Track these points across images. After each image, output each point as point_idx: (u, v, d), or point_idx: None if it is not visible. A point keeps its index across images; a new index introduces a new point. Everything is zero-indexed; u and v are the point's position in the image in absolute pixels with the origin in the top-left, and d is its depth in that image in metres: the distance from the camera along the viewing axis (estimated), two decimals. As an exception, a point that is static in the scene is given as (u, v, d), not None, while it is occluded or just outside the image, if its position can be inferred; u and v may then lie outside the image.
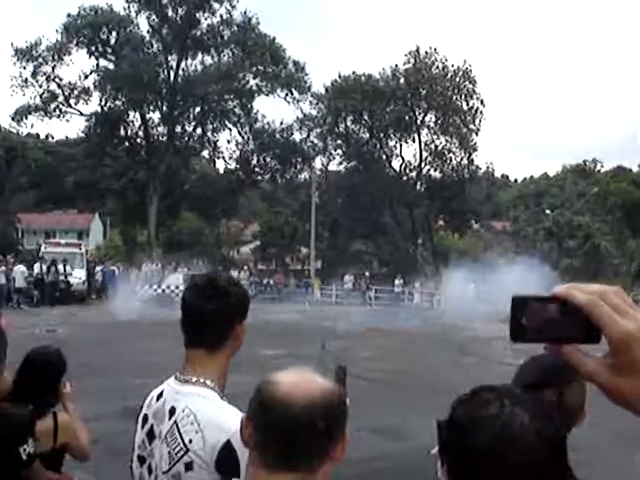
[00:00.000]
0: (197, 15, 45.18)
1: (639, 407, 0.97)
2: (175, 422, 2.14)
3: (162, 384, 2.31)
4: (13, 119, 45.12)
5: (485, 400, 1.18)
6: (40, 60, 43.62)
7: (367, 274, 42.14)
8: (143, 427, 2.26)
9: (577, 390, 2.18)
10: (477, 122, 47.93)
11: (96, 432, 5.20)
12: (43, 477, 2.96)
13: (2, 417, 2.69)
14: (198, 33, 45.59)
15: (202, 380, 2.19)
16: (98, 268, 36.20)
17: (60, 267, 31.91)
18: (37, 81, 44.04)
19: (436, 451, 1.86)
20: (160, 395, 2.25)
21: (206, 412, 2.10)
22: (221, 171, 52.91)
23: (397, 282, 39.88)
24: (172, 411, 2.17)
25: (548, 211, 51.62)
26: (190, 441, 2.08)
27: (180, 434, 2.11)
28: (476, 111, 47.68)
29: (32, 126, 47.20)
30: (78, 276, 33.15)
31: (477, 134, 48.37)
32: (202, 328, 2.23)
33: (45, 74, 44.06)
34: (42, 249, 35.30)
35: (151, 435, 2.22)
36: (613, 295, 0.97)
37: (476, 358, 17.02)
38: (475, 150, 48.83)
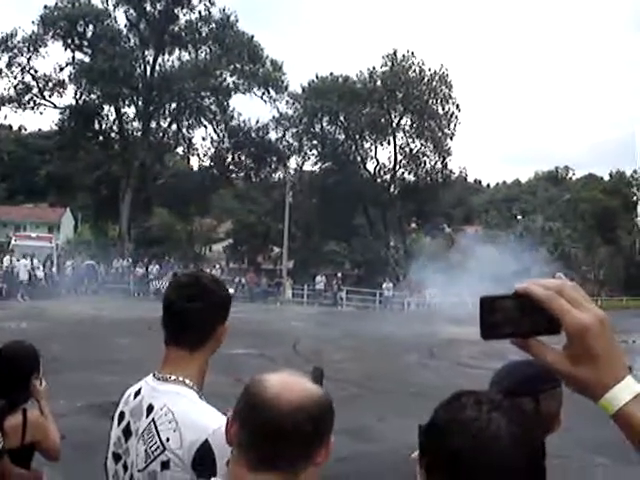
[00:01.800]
0: (175, 11, 44.95)
1: (595, 393, 1.04)
2: (153, 420, 2.13)
3: (140, 381, 2.29)
4: (-15, 109, 44.57)
5: (464, 404, 1.21)
6: (15, 51, 43.11)
7: (339, 275, 42.21)
8: (119, 424, 2.24)
9: (553, 397, 2.21)
10: (452, 127, 48.31)
11: (63, 428, 5.15)
12: (12, 472, 2.93)
13: None
14: (176, 29, 45.35)
15: (181, 379, 2.17)
16: (68, 263, 35.89)
17: (28, 261, 31.61)
18: (12, 72, 43.54)
19: (416, 455, 1.88)
20: (138, 392, 2.24)
21: (184, 411, 2.09)
22: (195, 168, 52.69)
23: (385, 285, 39.79)
24: (150, 409, 2.16)
25: (520, 216, 52.12)
26: (167, 439, 2.07)
27: (157, 432, 2.10)
28: (451, 116, 48.01)
29: (5, 117, 46.99)
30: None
31: (452, 139, 48.81)
32: (184, 327, 2.21)
33: (20, 65, 43.56)
34: (12, 242, 34.99)
35: (127, 432, 2.20)
36: (570, 289, 1.06)
37: (446, 361, 17.13)
38: (449, 154, 49.21)
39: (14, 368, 3.32)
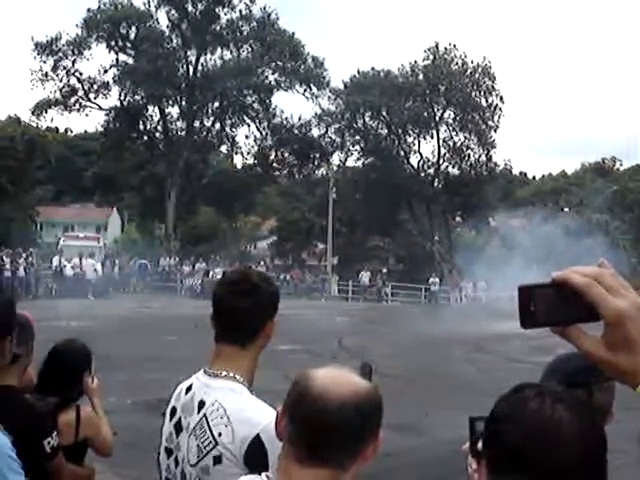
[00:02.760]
0: (217, 10, 45.25)
1: (633, 380, 1.04)
2: (204, 415, 2.16)
3: (190, 377, 2.33)
4: (33, 113, 45.43)
5: (527, 396, 1.21)
6: (60, 54, 43.84)
7: (384, 270, 42.12)
8: (171, 419, 2.28)
9: (606, 390, 2.18)
10: (496, 119, 47.72)
11: (114, 425, 5.24)
12: (66, 470, 2.98)
13: (26, 410, 2.72)
14: (217, 28, 45.64)
15: (232, 374, 2.20)
16: (117, 261, 36.49)
17: (77, 260, 32.21)
18: (57, 75, 44.32)
19: (467, 447, 1.87)
20: (189, 388, 2.27)
21: (236, 406, 2.12)
22: (239, 166, 52.97)
23: (432, 280, 39.60)
24: (201, 404, 2.19)
25: (566, 209, 51.34)
26: (219, 434, 2.10)
27: (209, 427, 2.13)
28: (495, 108, 47.44)
29: (52, 120, 47.61)
30: (96, 269, 33.38)
31: (496, 131, 48.16)
32: (235, 324, 2.24)
33: (65, 68, 44.29)
34: (61, 242, 35.66)
35: (179, 428, 2.24)
36: (608, 277, 1.06)
37: (494, 356, 16.99)
38: (494, 147, 48.62)
39: (67, 366, 3.39)
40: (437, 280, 39.61)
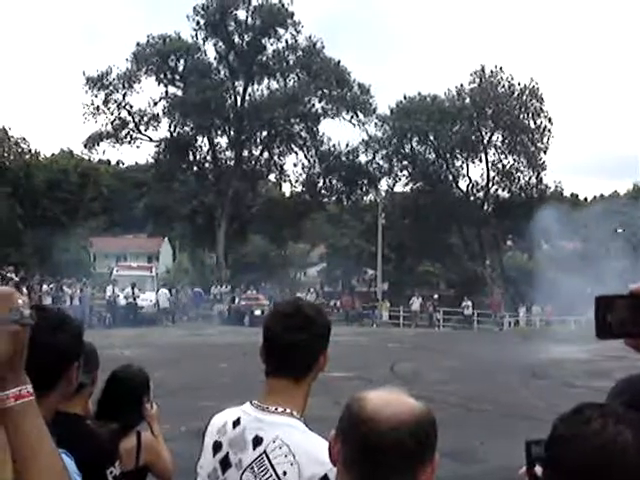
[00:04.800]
0: (263, 41, 45.85)
1: None
2: (265, 453, 2.10)
3: (232, 409, 2.27)
4: (85, 146, 46.40)
5: (588, 417, 1.17)
6: (111, 88, 44.81)
7: (435, 296, 41.76)
8: (215, 454, 2.21)
9: None
10: (545, 140, 47.25)
11: (171, 452, 5.25)
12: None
13: (90, 438, 2.72)
14: (264, 58, 46.22)
15: (288, 410, 2.15)
16: (161, 291, 36.83)
17: (130, 290, 32.68)
18: (108, 109, 45.26)
19: (523, 472, 1.82)
20: (237, 422, 2.20)
21: (301, 444, 2.06)
22: (288, 194, 53.30)
23: (464, 304, 39.35)
24: (258, 441, 2.13)
25: (620, 230, 50.35)
26: (284, 473, 2.05)
27: (272, 465, 2.07)
28: (544, 129, 46.98)
29: (104, 152, 48.41)
30: (149, 298, 33.79)
31: (545, 153, 47.68)
32: (289, 358, 2.19)
33: (116, 102, 45.24)
34: (114, 272, 36.13)
35: (226, 464, 2.17)
36: None
37: (549, 381, 16.63)
38: (544, 169, 48.12)
39: (126, 391, 3.41)
40: (469, 303, 39.17)
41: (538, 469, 1.33)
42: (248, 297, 36.76)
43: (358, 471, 1.47)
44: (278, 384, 2.20)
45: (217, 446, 2.22)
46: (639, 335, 1.05)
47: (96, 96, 44.81)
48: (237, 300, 36.51)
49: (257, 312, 31.69)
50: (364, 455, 1.46)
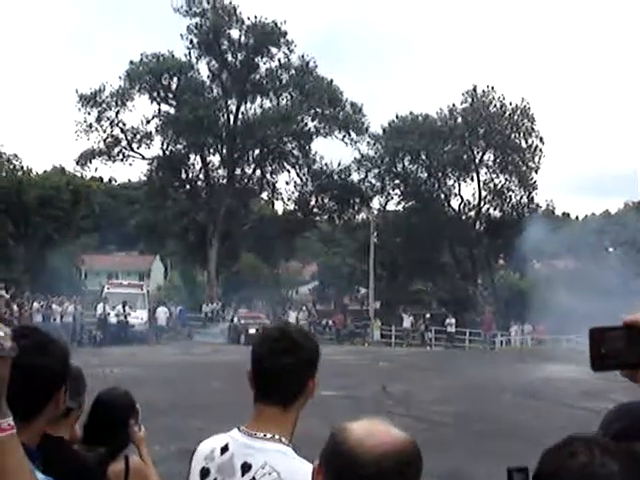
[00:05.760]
0: (256, 60, 46.05)
1: None
2: (254, 479, 2.07)
3: (220, 436, 2.23)
4: (78, 163, 46.44)
5: (574, 450, 1.15)
6: (104, 106, 44.84)
7: (427, 315, 41.75)
8: None
9: None
10: (537, 160, 47.53)
11: (161, 474, 5.18)
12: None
13: (77, 462, 2.69)
14: (257, 77, 46.41)
15: (277, 437, 2.11)
16: (160, 309, 36.78)
17: (121, 308, 32.55)
18: (101, 126, 45.30)
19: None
20: (225, 448, 2.16)
21: (290, 470, 2.03)
22: (280, 212, 53.35)
23: (447, 321, 39.41)
24: (246, 467, 2.09)
25: (611, 248, 50.53)
26: None
27: None
28: (535, 149, 47.27)
29: (96, 170, 48.39)
30: (140, 316, 33.65)
31: (537, 172, 47.94)
32: (277, 383, 2.15)
33: (109, 119, 45.28)
34: (105, 290, 35.99)
35: None
36: None
37: (543, 401, 16.58)
38: (535, 188, 48.37)
39: (112, 415, 3.35)
40: (453, 321, 39.27)
41: None
42: (246, 315, 36.55)
43: None
44: (266, 410, 2.16)
45: (205, 473, 2.18)
46: (634, 366, 1.03)
47: (89, 113, 44.92)
48: (236, 318, 36.36)
49: (252, 330, 31.52)
50: None
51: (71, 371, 2.18)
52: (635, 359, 1.03)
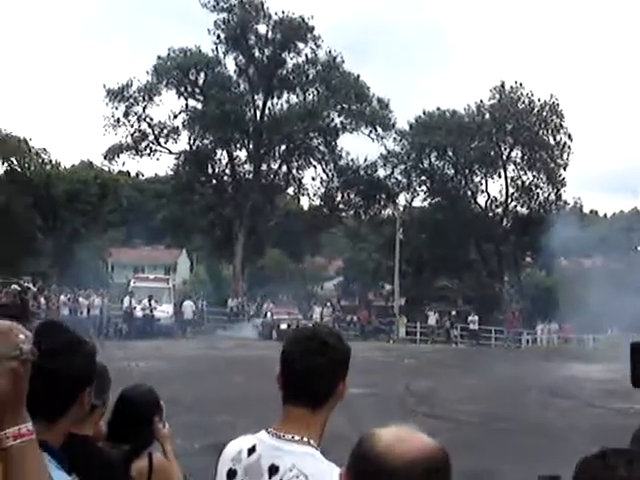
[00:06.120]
0: (283, 55, 46.02)
1: None
2: None
3: (247, 437, 2.22)
4: (105, 158, 46.66)
5: (613, 464, 1.13)
6: (131, 101, 45.03)
7: (452, 312, 41.54)
8: None
9: None
10: (565, 157, 47.08)
11: (185, 469, 5.20)
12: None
13: (101, 460, 2.68)
14: (284, 72, 46.37)
15: (306, 439, 2.10)
16: (187, 302, 37.06)
17: (147, 301, 32.75)
18: (128, 121, 45.48)
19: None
20: (252, 450, 2.15)
21: (319, 474, 2.00)
22: (306, 208, 53.32)
23: (470, 319, 39.20)
24: (274, 469, 2.08)
25: (639, 247, 49.92)
26: None
27: None
28: (564, 146, 46.82)
29: (123, 164, 48.62)
30: (166, 310, 33.82)
31: (565, 169, 47.48)
32: (306, 384, 2.14)
33: (136, 114, 45.46)
34: (131, 284, 36.22)
35: None
36: None
37: (568, 400, 16.43)
38: (563, 185, 47.94)
39: (136, 412, 3.35)
40: (476, 318, 39.00)
41: None
42: (278, 311, 36.49)
43: None
44: (295, 412, 2.15)
45: (231, 474, 2.17)
46: None
47: (116, 108, 45.06)
48: (269, 314, 36.40)
49: (283, 326, 31.49)
50: None
51: (97, 369, 2.17)
52: None
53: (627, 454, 1.15)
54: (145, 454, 3.34)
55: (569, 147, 46.86)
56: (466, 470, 9.22)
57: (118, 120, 45.29)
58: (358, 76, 46.23)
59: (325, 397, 2.15)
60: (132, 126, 45.64)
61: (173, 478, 3.44)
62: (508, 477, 8.65)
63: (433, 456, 1.42)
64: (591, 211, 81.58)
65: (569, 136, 46.78)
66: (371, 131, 46.78)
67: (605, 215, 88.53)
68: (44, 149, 46.19)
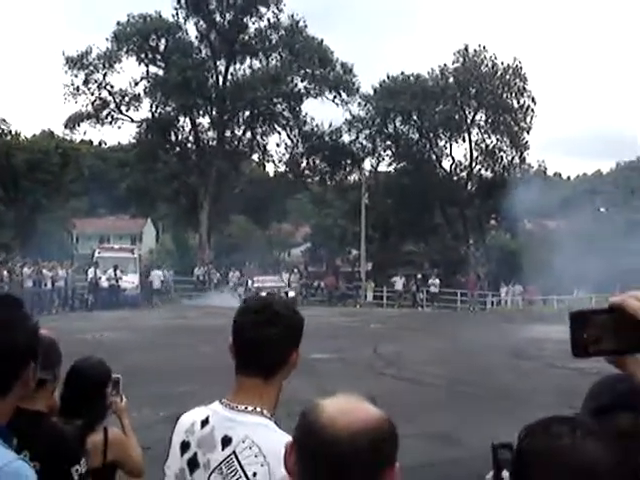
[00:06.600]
0: (245, 20, 45.45)
1: None
2: (234, 453, 2.04)
3: (201, 408, 2.19)
4: (66, 126, 45.92)
5: (556, 432, 1.12)
6: (91, 68, 44.24)
7: (418, 276, 41.87)
8: (182, 454, 2.14)
9: None
10: (528, 120, 47.29)
11: (149, 439, 5.18)
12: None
13: (54, 435, 2.64)
14: (246, 37, 45.84)
15: (259, 409, 2.08)
16: (155, 272, 36.94)
17: (112, 272, 32.55)
18: (89, 89, 44.71)
19: (490, 476, 1.75)
20: (206, 421, 2.13)
21: (272, 444, 1.97)
22: (271, 174, 53.11)
23: (431, 281, 39.57)
24: (227, 440, 2.06)
25: (602, 209, 50.65)
26: (254, 474, 1.99)
27: (242, 466, 2.01)
28: (527, 109, 47.02)
29: (85, 133, 47.94)
30: (131, 280, 33.66)
31: (528, 132, 47.73)
32: (259, 355, 2.12)
33: (96, 82, 44.69)
34: (96, 254, 35.97)
35: (194, 464, 2.11)
36: None
37: (530, 362, 16.70)
38: (527, 149, 48.21)
39: (87, 385, 3.29)
40: (437, 281, 39.39)
41: (505, 474, 1.30)
42: (264, 279, 36.34)
43: None
44: (248, 382, 2.13)
45: (185, 446, 2.15)
46: (620, 352, 0.94)
47: (76, 76, 44.22)
48: (250, 283, 36.26)
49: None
50: (319, 467, 1.37)
51: (43, 342, 2.12)
52: (622, 345, 0.94)
53: (571, 422, 1.14)
54: (101, 428, 3.30)
55: (532, 110, 47.08)
56: (431, 432, 9.36)
57: (78, 88, 44.54)
58: (322, 41, 45.88)
59: (277, 367, 2.14)
60: (92, 94, 44.92)
61: (130, 451, 3.41)
62: (471, 438, 8.75)
63: (378, 427, 1.40)
64: (555, 174, 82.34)
65: (532, 99, 46.99)
66: (335, 96, 46.56)
67: (569, 178, 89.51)
68: (3, 119, 45.57)
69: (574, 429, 1.11)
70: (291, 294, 32.43)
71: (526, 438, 1.15)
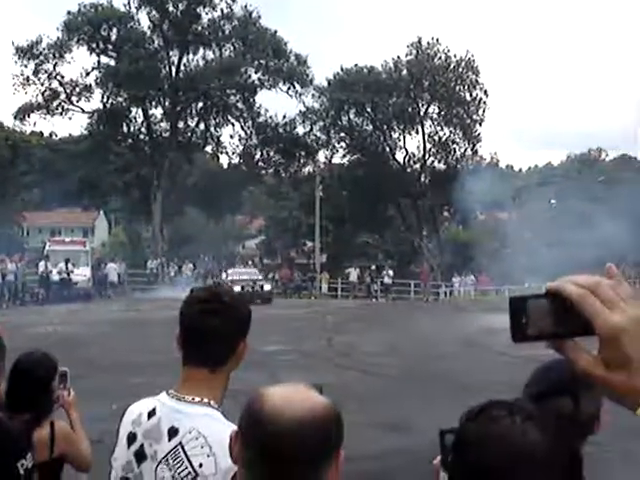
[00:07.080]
0: (197, 10, 45.01)
1: (629, 402, 0.95)
2: (180, 444, 2.03)
3: (148, 400, 2.18)
4: (16, 117, 45.01)
5: (495, 416, 1.15)
6: (41, 58, 43.43)
7: (372, 267, 42.11)
8: (129, 446, 2.12)
9: (593, 397, 2.07)
10: (481, 112, 47.76)
11: (101, 432, 5.14)
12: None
13: None
14: (199, 28, 45.40)
15: (206, 400, 2.08)
16: (110, 265, 36.52)
17: (63, 265, 32.11)
18: (39, 79, 43.88)
19: (438, 461, 1.77)
20: (152, 413, 2.12)
21: (218, 435, 1.96)
22: (225, 166, 52.78)
23: (384, 272, 39.87)
24: (173, 431, 2.05)
25: (553, 200, 51.46)
26: (200, 465, 1.98)
27: (188, 457, 2.01)
28: (479, 101, 47.47)
29: (35, 124, 47.09)
30: (83, 274, 33.26)
31: (481, 125, 48.22)
32: (205, 345, 2.11)
33: (46, 72, 43.88)
34: (47, 247, 35.47)
35: (141, 456, 2.09)
36: (605, 287, 0.96)
37: (483, 350, 16.92)
38: (479, 141, 48.70)
39: (31, 380, 3.25)
40: (391, 272, 40.12)
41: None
42: (239, 272, 35.91)
43: (259, 474, 1.39)
44: (194, 373, 2.13)
45: (131, 437, 2.13)
46: (559, 336, 0.97)
47: (26, 66, 43.37)
48: (225, 275, 35.91)
49: (237, 288, 30.93)
50: (264, 457, 1.37)
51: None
52: (560, 329, 0.97)
53: (510, 406, 1.17)
54: (47, 422, 3.26)
55: (485, 103, 47.56)
56: (385, 421, 9.44)
57: (28, 79, 43.69)
58: (275, 32, 45.70)
59: (224, 358, 2.13)
60: (42, 84, 44.08)
61: (77, 445, 3.38)
62: (422, 426, 8.84)
63: (323, 416, 1.40)
64: (507, 166, 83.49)
65: (485, 92, 47.46)
66: (289, 88, 46.43)
67: (520, 170, 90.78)
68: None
69: (513, 413, 1.13)
70: (267, 287, 32.29)
71: (467, 422, 1.17)
